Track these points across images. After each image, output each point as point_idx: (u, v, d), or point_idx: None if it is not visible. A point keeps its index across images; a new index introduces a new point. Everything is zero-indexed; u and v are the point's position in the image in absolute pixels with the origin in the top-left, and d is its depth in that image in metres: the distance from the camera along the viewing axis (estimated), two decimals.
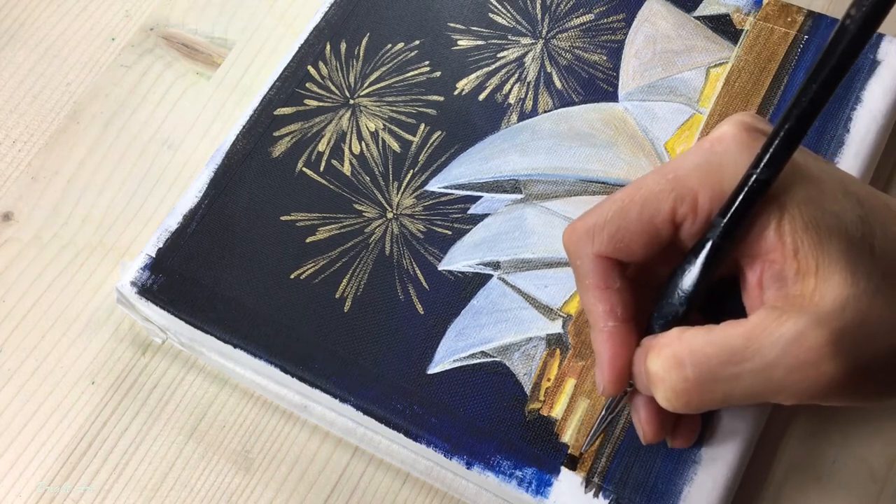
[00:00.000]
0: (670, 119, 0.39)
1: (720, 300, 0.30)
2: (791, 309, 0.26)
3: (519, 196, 0.38)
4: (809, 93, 0.25)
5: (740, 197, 0.27)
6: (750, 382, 0.27)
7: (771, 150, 0.26)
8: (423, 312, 0.36)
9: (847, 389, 0.26)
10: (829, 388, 0.26)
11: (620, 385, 0.30)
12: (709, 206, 0.28)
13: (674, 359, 0.27)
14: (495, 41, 0.42)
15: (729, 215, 0.27)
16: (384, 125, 0.40)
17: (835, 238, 0.27)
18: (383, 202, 0.38)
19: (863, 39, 0.24)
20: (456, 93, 0.40)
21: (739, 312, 0.29)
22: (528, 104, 0.40)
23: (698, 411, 0.28)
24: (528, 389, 0.34)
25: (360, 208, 0.38)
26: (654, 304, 0.30)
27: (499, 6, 0.42)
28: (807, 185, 0.28)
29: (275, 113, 0.40)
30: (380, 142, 0.40)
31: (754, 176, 0.27)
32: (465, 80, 0.41)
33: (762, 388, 0.27)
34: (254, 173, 0.39)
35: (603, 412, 0.32)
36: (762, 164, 0.27)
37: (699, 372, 0.27)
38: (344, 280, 0.37)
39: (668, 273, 0.30)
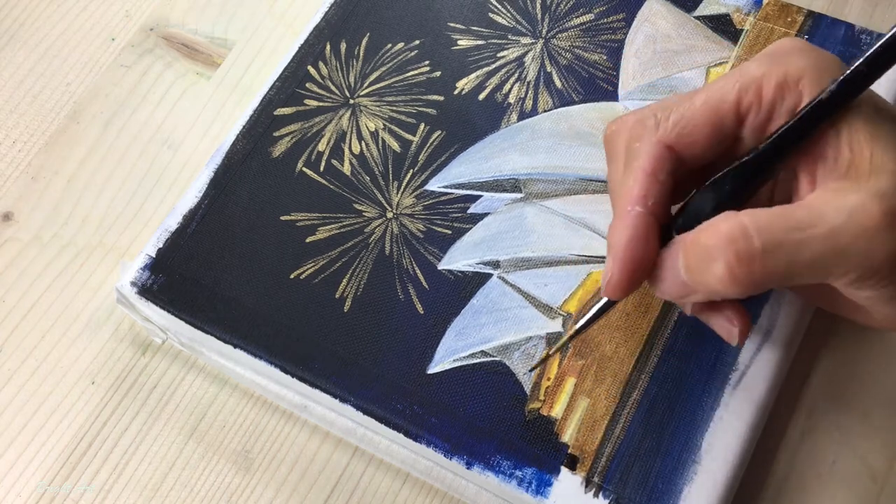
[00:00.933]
0: None
1: None
2: (850, 186, 0.27)
3: (519, 195, 0.38)
4: None
5: (830, 89, 0.27)
6: (815, 249, 0.26)
7: (867, 57, 0.27)
8: (423, 312, 0.36)
9: None
10: (888, 261, 0.26)
11: (631, 281, 0.29)
12: (772, 96, 0.28)
13: (739, 227, 0.27)
14: (495, 41, 0.42)
15: (808, 107, 0.27)
16: (384, 125, 0.40)
17: (889, 132, 0.27)
18: (383, 202, 0.38)
19: None
20: (456, 92, 0.40)
21: None
22: (528, 103, 0.40)
23: (760, 288, 0.27)
24: (528, 389, 0.34)
25: (359, 208, 0.38)
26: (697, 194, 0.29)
27: (499, 6, 0.42)
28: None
29: (275, 113, 0.40)
30: (380, 141, 0.40)
31: (845, 75, 0.27)
32: (465, 80, 0.41)
33: (826, 255, 0.26)
34: (254, 173, 0.39)
35: (585, 320, 0.31)
36: (858, 64, 0.27)
37: (765, 238, 0.26)
38: (344, 280, 0.37)
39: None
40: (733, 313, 0.30)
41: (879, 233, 0.26)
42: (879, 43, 0.27)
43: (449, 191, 0.38)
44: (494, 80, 0.41)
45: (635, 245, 0.29)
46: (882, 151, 0.27)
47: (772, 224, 0.27)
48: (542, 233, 0.37)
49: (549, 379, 0.34)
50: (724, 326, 0.31)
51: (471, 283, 0.36)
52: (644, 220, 0.29)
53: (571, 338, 0.33)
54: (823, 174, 0.28)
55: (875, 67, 0.27)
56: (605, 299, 0.31)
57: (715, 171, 0.30)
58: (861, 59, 0.27)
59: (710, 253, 0.27)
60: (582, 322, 0.32)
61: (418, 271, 0.37)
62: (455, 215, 0.38)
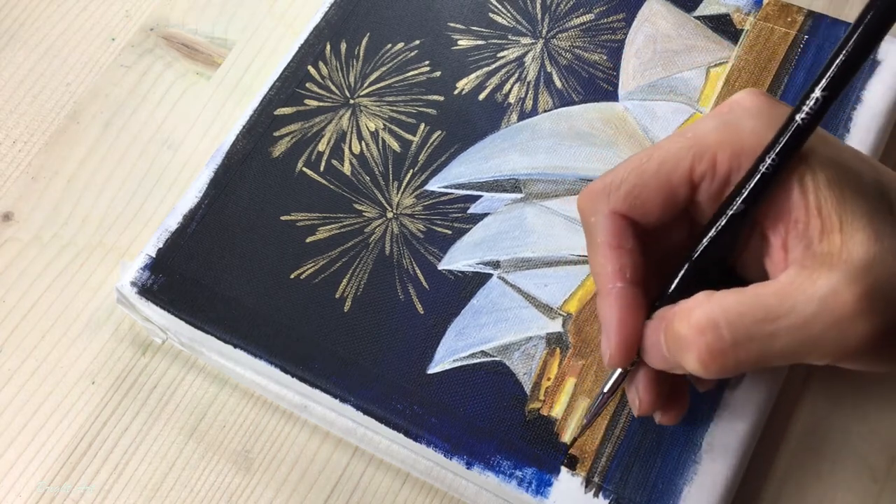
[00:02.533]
0: (670, 118, 0.39)
1: (730, 278, 0.30)
2: (821, 267, 0.26)
3: (519, 195, 0.38)
4: (838, 62, 0.26)
5: (772, 154, 0.27)
6: (786, 341, 0.26)
7: (805, 112, 0.27)
8: (423, 312, 0.36)
9: (879, 348, 0.26)
10: (864, 346, 0.26)
11: (628, 354, 0.29)
12: (727, 165, 0.28)
13: (707, 319, 0.27)
14: (495, 41, 0.42)
15: (757, 176, 0.27)
16: (384, 125, 0.40)
17: (856, 196, 0.27)
18: (383, 202, 0.38)
19: None
20: (456, 92, 0.40)
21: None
22: (528, 104, 0.40)
23: (734, 374, 0.27)
24: (528, 389, 0.34)
25: (360, 208, 0.38)
26: (667, 273, 0.29)
27: (499, 6, 0.42)
28: (827, 146, 0.28)
29: (275, 113, 0.40)
30: (380, 142, 0.40)
31: (786, 136, 0.27)
32: (465, 80, 0.41)
33: (798, 345, 0.26)
34: (254, 173, 0.39)
35: (601, 395, 0.31)
36: (793, 126, 0.27)
37: (735, 331, 0.26)
38: (344, 280, 0.37)
39: (678, 249, 0.30)
40: (643, 388, 0.30)
41: (852, 320, 0.25)
42: (805, 107, 0.27)
43: (449, 191, 0.38)
44: (494, 80, 0.41)
45: (625, 321, 0.29)
46: (851, 217, 0.26)
47: (742, 315, 0.26)
48: (543, 233, 0.37)
49: (549, 379, 0.34)
50: (634, 395, 0.31)
51: (471, 283, 0.36)
52: (627, 294, 0.29)
53: (596, 414, 0.32)
54: (795, 239, 0.27)
55: (801, 134, 0.27)
56: (618, 371, 0.31)
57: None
58: (797, 118, 0.27)
59: (682, 342, 0.27)
60: (602, 398, 0.31)
61: (418, 271, 0.37)
62: (455, 215, 0.38)
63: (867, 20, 0.25)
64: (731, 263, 0.31)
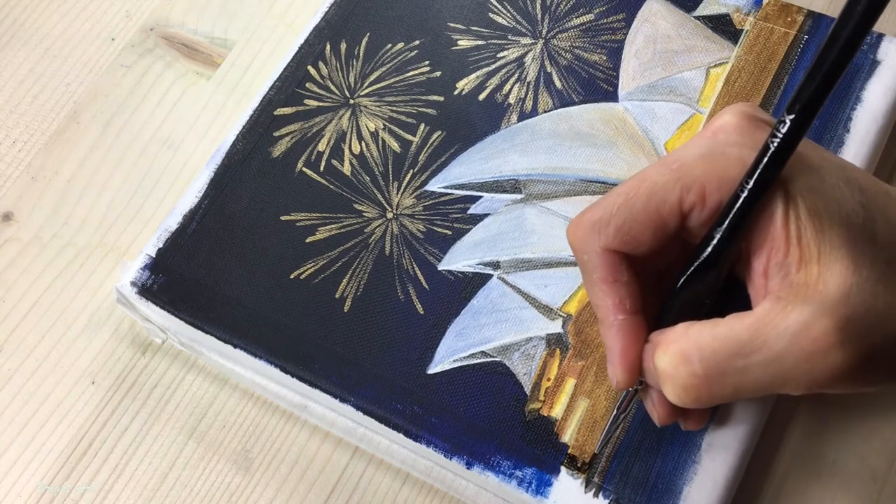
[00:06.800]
0: (670, 119, 0.39)
1: (724, 292, 0.30)
2: (795, 299, 0.26)
3: (519, 196, 0.38)
4: (812, 85, 0.25)
5: (747, 188, 0.27)
6: (758, 375, 0.27)
7: (776, 143, 0.26)
8: (423, 312, 0.36)
9: (855, 377, 0.26)
10: (837, 377, 0.26)
11: (633, 377, 0.30)
12: (717, 195, 0.28)
13: (681, 355, 0.27)
14: (495, 41, 0.42)
15: (736, 206, 0.27)
16: (384, 125, 0.40)
17: (837, 226, 0.27)
18: (383, 202, 0.38)
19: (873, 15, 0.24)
20: (456, 93, 0.40)
21: (745, 304, 0.29)
22: (528, 104, 0.40)
23: (709, 405, 0.28)
24: (528, 389, 0.34)
25: (360, 208, 0.38)
26: (662, 296, 0.30)
27: (499, 6, 0.42)
28: (809, 174, 0.28)
29: (275, 113, 0.40)
30: (380, 142, 0.40)
31: (759, 169, 0.27)
32: (465, 80, 0.41)
33: (771, 379, 0.27)
34: (254, 173, 0.39)
35: (615, 412, 0.32)
36: (767, 157, 0.27)
37: (707, 367, 0.27)
38: (344, 280, 0.37)
39: (674, 264, 0.30)
40: (658, 401, 0.31)
41: (824, 354, 0.26)
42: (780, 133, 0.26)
43: (449, 191, 0.38)
44: (494, 81, 0.41)
45: (628, 349, 0.30)
46: (830, 248, 0.27)
47: (715, 351, 0.27)
48: (543, 234, 0.37)
49: (549, 379, 0.34)
50: (651, 407, 0.32)
51: (471, 283, 0.36)
52: (630, 325, 0.30)
53: (611, 433, 0.33)
54: (775, 267, 0.27)
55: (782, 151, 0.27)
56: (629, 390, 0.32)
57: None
58: (776, 142, 0.26)
59: (660, 374, 0.28)
60: (612, 418, 0.33)
61: (418, 272, 0.37)
62: (455, 216, 0.38)
63: (837, 42, 0.24)
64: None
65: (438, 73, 0.41)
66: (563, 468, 0.33)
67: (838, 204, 0.27)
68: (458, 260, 0.37)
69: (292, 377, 0.35)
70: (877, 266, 0.26)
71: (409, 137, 0.40)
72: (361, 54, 0.42)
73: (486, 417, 0.34)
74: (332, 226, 0.38)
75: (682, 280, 0.29)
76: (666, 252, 0.30)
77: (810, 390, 0.27)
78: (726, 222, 0.28)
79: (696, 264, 0.29)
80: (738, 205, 0.27)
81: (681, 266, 0.30)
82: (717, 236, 0.28)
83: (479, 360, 0.35)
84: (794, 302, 0.26)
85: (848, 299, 0.26)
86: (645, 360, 0.30)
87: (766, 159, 0.27)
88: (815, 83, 0.25)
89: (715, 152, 0.29)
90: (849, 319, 0.26)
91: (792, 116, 0.26)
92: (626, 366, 0.30)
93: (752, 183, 0.27)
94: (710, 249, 0.28)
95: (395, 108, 0.40)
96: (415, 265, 0.37)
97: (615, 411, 0.32)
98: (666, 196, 0.29)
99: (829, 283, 0.26)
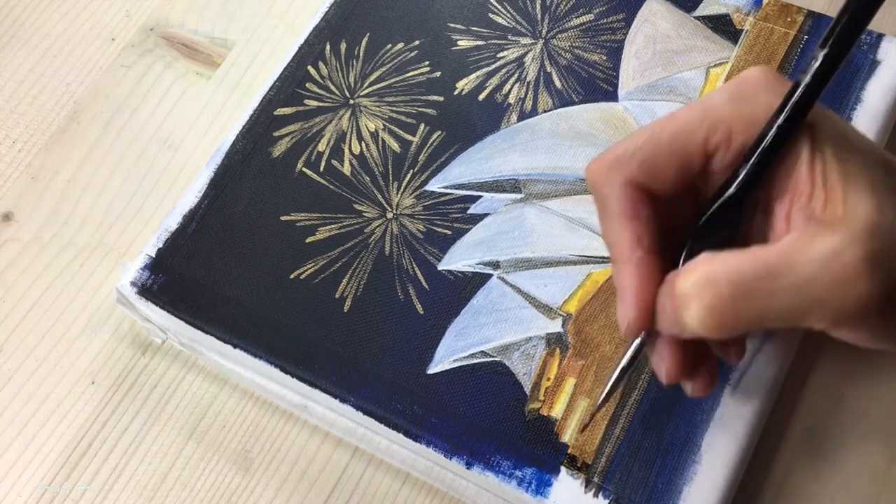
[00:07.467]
0: None
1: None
2: (825, 230, 0.26)
3: (519, 196, 0.38)
4: (845, 18, 0.26)
5: (776, 125, 0.27)
6: (786, 299, 0.26)
7: (807, 78, 0.27)
8: (422, 312, 0.36)
9: (880, 314, 0.26)
10: (864, 309, 0.26)
11: (647, 319, 0.29)
12: (742, 136, 0.28)
13: (706, 276, 0.27)
14: (495, 41, 0.42)
15: (765, 142, 0.27)
16: (384, 125, 0.40)
17: (861, 170, 0.27)
18: (383, 202, 0.38)
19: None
20: (456, 93, 0.40)
21: None
22: (528, 104, 0.40)
23: (732, 333, 0.27)
24: (527, 389, 0.34)
25: (359, 208, 0.38)
26: (676, 244, 0.30)
27: (499, 6, 0.42)
28: (834, 123, 0.28)
29: (275, 113, 0.40)
30: (380, 142, 0.40)
31: (791, 103, 0.27)
32: (465, 80, 0.41)
33: (798, 304, 0.26)
34: (254, 173, 0.39)
35: (619, 366, 0.30)
36: (799, 91, 0.27)
37: (734, 288, 0.26)
38: (344, 280, 0.37)
39: (688, 216, 0.30)
40: (668, 353, 0.30)
41: (854, 280, 0.26)
42: (814, 65, 0.27)
43: (449, 191, 0.38)
44: (494, 81, 0.41)
45: (644, 288, 0.29)
46: (855, 189, 0.27)
47: (742, 272, 0.26)
48: (542, 233, 0.37)
49: (548, 379, 0.34)
50: (659, 361, 0.30)
51: (471, 283, 0.36)
52: (647, 263, 0.29)
53: (612, 390, 0.31)
54: (798, 211, 0.27)
55: (816, 84, 0.27)
56: (636, 341, 0.30)
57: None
58: (807, 77, 0.27)
59: (683, 299, 0.27)
60: (619, 370, 0.31)
61: (418, 271, 0.37)
62: (455, 216, 0.38)
63: None
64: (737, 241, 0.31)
65: (438, 74, 0.41)
66: (563, 468, 0.33)
67: (862, 153, 0.27)
68: (458, 260, 0.37)
69: (292, 377, 0.35)
70: None
71: (409, 137, 0.40)
72: (361, 54, 0.42)
73: (486, 417, 0.34)
74: (332, 226, 0.38)
75: (703, 220, 0.29)
76: (679, 206, 0.30)
77: (834, 323, 0.26)
78: (753, 158, 0.28)
79: (719, 202, 0.29)
80: (767, 140, 0.27)
81: (696, 219, 0.29)
82: (743, 172, 0.28)
83: (478, 360, 0.35)
84: (822, 233, 0.26)
85: (875, 234, 0.26)
86: (661, 301, 0.29)
87: (797, 95, 0.27)
88: (848, 18, 0.26)
89: (742, 97, 0.29)
90: (877, 252, 0.26)
91: (825, 52, 0.26)
92: (640, 304, 0.29)
93: (781, 119, 0.27)
94: (734, 187, 0.28)
95: (395, 109, 0.40)
96: (415, 265, 0.37)
97: (619, 366, 0.30)
98: (692, 134, 0.29)
99: (856, 219, 0.26)
